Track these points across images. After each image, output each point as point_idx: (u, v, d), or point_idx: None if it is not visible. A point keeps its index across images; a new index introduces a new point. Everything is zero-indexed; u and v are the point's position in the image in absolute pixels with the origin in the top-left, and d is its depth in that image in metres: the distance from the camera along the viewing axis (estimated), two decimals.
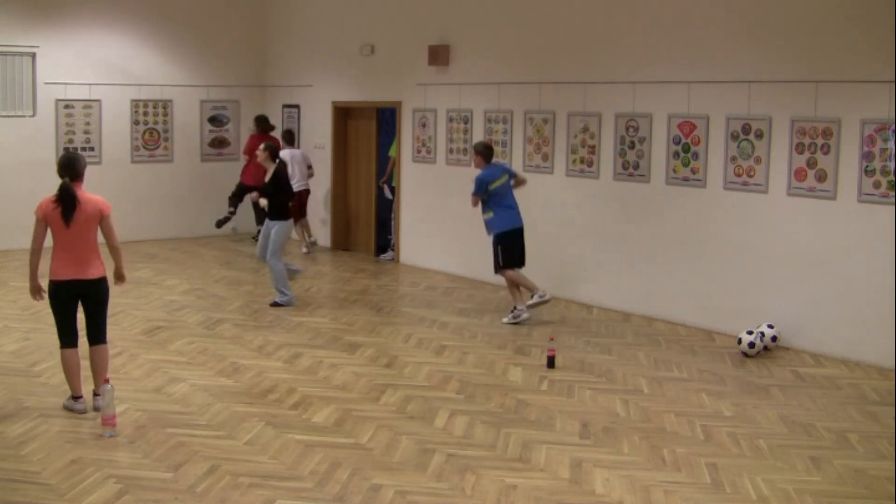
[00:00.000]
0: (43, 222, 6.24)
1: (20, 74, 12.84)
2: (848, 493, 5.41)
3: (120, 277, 6.57)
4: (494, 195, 9.33)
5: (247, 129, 14.41)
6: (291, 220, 9.95)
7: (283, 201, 9.76)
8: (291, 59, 14.29)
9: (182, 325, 9.00)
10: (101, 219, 6.32)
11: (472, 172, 11.31)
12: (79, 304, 6.42)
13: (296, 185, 12.21)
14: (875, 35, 7.77)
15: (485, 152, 9.47)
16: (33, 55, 12.88)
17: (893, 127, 7.70)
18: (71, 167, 6.30)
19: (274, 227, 9.72)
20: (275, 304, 9.78)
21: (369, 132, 13.08)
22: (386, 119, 13.15)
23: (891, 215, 7.72)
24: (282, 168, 9.89)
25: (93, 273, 6.34)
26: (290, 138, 13.14)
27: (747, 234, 8.75)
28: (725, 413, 6.74)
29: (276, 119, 14.68)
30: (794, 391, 7.29)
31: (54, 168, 6.73)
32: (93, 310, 6.43)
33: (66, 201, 6.19)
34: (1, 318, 9.10)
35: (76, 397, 6.49)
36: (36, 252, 6.27)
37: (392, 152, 12.77)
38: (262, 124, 13.75)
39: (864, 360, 8.02)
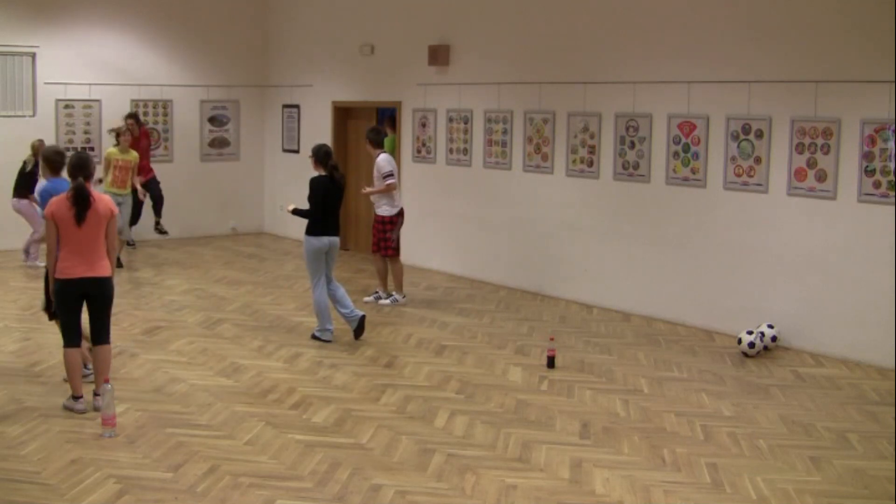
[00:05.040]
0: (53, 222, 6.25)
1: (20, 74, 12.84)
2: (848, 493, 5.41)
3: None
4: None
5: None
6: (317, 238, 8.32)
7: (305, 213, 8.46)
8: (291, 59, 14.29)
9: (182, 325, 9.00)
10: (111, 218, 6.37)
11: (473, 172, 11.38)
12: (83, 304, 6.42)
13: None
14: (875, 35, 7.77)
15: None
16: (33, 55, 12.88)
17: (893, 127, 7.71)
18: (84, 167, 6.34)
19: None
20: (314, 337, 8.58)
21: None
22: (384, 118, 13.14)
23: (891, 215, 7.72)
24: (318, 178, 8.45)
25: (101, 271, 6.35)
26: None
27: (747, 234, 8.75)
28: (725, 413, 6.74)
29: (275, 118, 14.69)
30: (794, 391, 7.30)
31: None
32: (98, 309, 6.43)
33: (81, 201, 6.21)
34: (1, 318, 9.09)
35: (76, 397, 6.48)
36: (52, 253, 6.29)
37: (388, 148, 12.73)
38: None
39: (864, 360, 8.02)
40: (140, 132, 12.76)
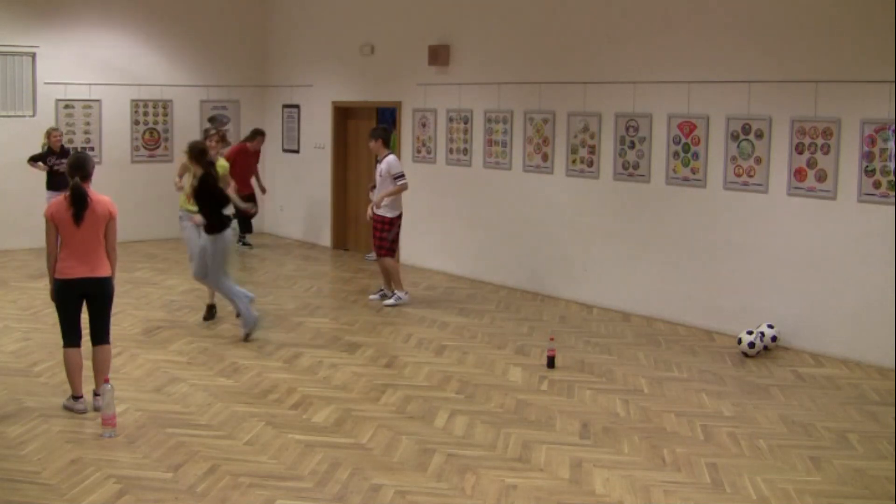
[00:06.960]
0: (52, 223, 6.25)
1: (20, 74, 12.84)
2: (848, 493, 5.41)
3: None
4: None
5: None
6: (229, 232, 8.44)
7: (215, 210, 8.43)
8: (291, 59, 14.29)
9: (182, 325, 9.00)
10: (110, 219, 6.35)
11: (473, 172, 11.38)
12: (83, 304, 6.42)
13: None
14: (875, 35, 7.77)
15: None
16: (33, 55, 12.89)
17: (893, 127, 7.71)
18: (81, 167, 6.32)
19: (209, 244, 8.43)
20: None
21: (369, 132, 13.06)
22: (386, 119, 13.15)
23: (891, 215, 7.72)
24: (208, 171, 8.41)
25: (101, 272, 6.35)
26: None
27: (747, 234, 8.75)
28: (725, 413, 6.74)
29: (276, 118, 14.69)
30: (794, 391, 7.30)
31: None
32: (98, 309, 6.43)
33: (78, 201, 6.20)
34: (1, 318, 9.09)
35: (76, 397, 6.48)
36: (52, 254, 6.29)
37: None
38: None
39: (864, 360, 8.02)
40: (235, 148, 12.73)
